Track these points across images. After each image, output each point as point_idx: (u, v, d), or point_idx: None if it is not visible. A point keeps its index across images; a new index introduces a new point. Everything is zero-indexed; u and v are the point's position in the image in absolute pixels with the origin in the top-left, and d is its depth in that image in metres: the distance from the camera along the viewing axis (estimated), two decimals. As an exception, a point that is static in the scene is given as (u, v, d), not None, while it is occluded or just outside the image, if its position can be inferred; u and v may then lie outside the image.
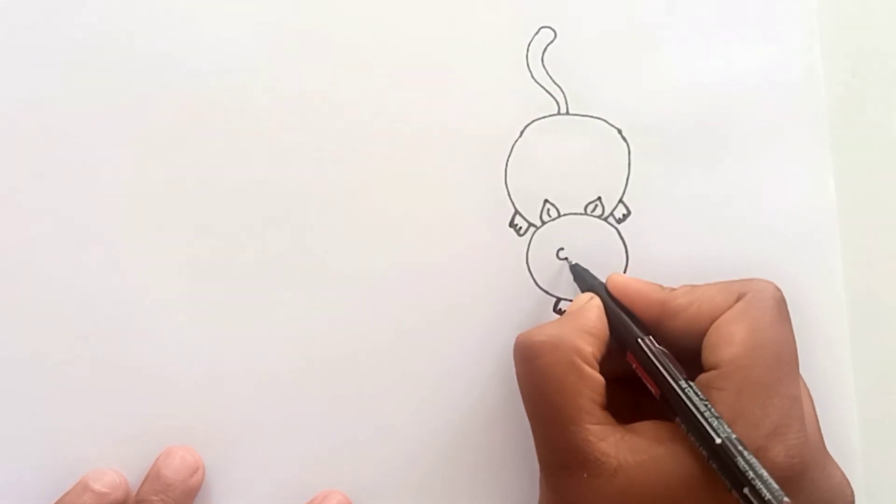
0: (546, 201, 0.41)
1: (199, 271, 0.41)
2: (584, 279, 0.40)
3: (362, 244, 0.41)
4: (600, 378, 0.36)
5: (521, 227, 0.41)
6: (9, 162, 0.41)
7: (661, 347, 0.36)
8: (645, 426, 0.36)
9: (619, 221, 0.42)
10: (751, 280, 0.38)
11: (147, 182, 0.41)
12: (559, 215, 0.41)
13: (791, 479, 0.34)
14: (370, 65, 0.41)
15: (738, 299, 0.37)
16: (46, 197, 0.41)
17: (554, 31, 0.42)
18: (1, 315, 0.40)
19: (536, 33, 0.42)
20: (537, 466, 0.39)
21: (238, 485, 0.41)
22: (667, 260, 0.41)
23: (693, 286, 0.38)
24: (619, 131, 0.42)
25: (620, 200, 0.42)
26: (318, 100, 0.41)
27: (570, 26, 0.42)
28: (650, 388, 0.36)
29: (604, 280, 0.39)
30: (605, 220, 0.41)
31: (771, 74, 0.42)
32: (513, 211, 0.41)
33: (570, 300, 0.41)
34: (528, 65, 0.41)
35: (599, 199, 0.41)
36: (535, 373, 0.36)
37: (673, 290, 0.38)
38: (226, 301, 0.41)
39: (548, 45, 0.42)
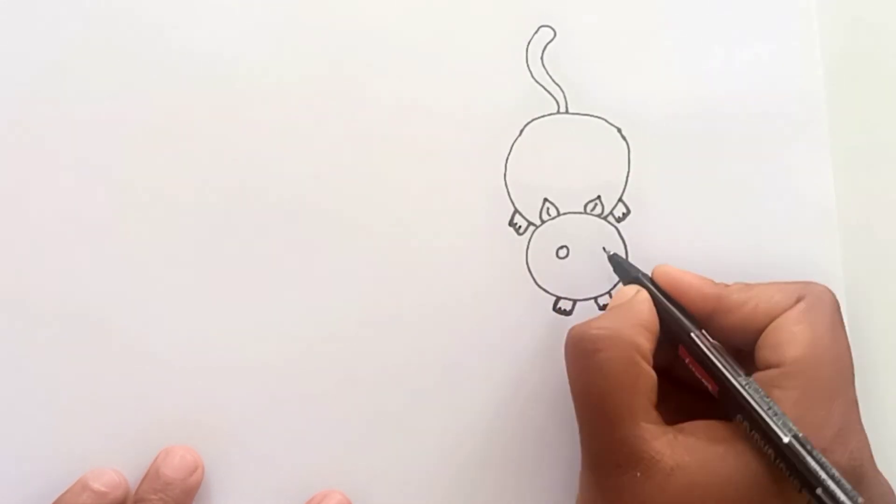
0: (546, 200, 0.41)
1: (200, 270, 0.41)
2: (625, 270, 0.40)
3: (362, 243, 0.41)
4: (654, 375, 0.36)
5: (520, 226, 0.41)
6: (11, 160, 0.41)
7: (716, 342, 0.36)
8: (695, 426, 0.35)
9: (619, 220, 0.41)
10: (809, 283, 0.38)
11: (143, 181, 0.41)
12: (559, 214, 0.41)
13: (852, 483, 0.33)
14: (370, 64, 0.41)
15: (797, 301, 0.37)
16: (45, 195, 0.41)
17: (553, 30, 0.42)
18: (1, 314, 0.40)
19: (536, 32, 0.42)
20: (538, 465, 0.39)
21: (237, 484, 0.41)
22: (666, 259, 0.41)
23: (747, 284, 0.38)
24: (619, 130, 0.42)
25: (620, 199, 0.42)
26: (317, 99, 0.41)
27: (570, 25, 0.42)
28: (707, 384, 0.36)
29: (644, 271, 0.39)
30: (605, 218, 0.41)
31: (771, 74, 0.42)
32: (512, 210, 0.41)
33: (570, 299, 0.41)
34: (527, 64, 0.41)
35: (599, 197, 0.41)
36: (593, 368, 0.35)
37: (727, 286, 0.38)
38: (226, 301, 0.41)
39: (547, 44, 0.42)
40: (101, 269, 0.41)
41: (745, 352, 0.37)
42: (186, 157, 0.41)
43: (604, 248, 0.41)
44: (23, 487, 0.40)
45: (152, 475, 0.40)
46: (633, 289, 0.38)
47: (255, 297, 0.41)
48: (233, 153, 0.41)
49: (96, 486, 0.39)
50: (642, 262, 0.41)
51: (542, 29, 0.42)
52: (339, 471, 0.41)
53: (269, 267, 0.41)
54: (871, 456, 0.36)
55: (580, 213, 0.41)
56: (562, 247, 0.41)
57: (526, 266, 0.41)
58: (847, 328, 0.40)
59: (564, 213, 0.41)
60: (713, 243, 0.42)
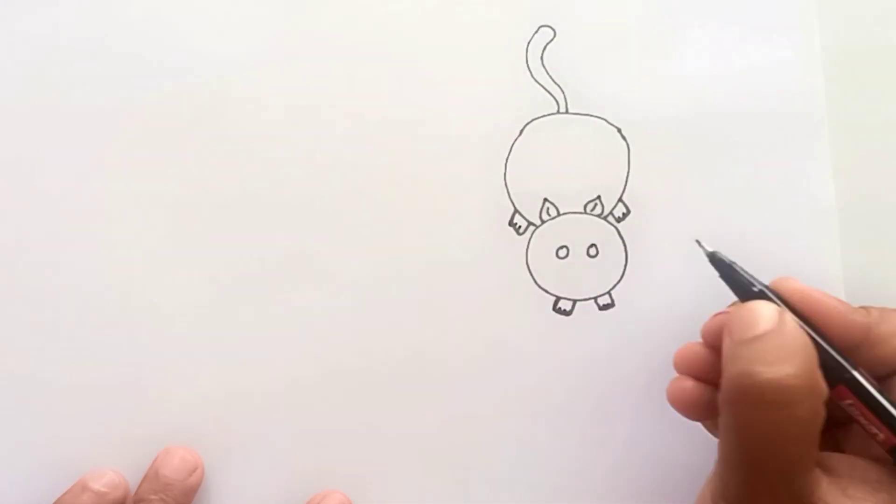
0: (545, 200, 0.41)
1: (201, 272, 0.41)
2: (742, 287, 0.34)
3: (361, 244, 0.41)
4: None
5: (520, 226, 0.41)
6: (15, 160, 0.41)
7: (873, 380, 0.32)
8: (851, 466, 0.33)
9: (619, 220, 0.41)
10: None
11: (148, 186, 0.41)
12: (559, 214, 0.41)
13: None
14: (369, 64, 0.41)
15: None
16: (50, 196, 0.41)
17: (553, 30, 0.42)
18: (2, 315, 0.40)
19: (536, 32, 0.42)
20: (537, 466, 0.39)
21: (237, 484, 0.41)
22: (666, 259, 0.41)
23: (883, 309, 0.35)
24: (619, 130, 0.42)
25: (620, 199, 0.41)
26: (318, 101, 0.41)
27: (570, 25, 0.42)
28: (877, 431, 0.33)
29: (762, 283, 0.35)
30: (605, 218, 0.41)
31: (771, 74, 0.42)
32: (512, 210, 0.41)
33: (569, 299, 0.41)
34: (527, 64, 0.41)
35: (599, 197, 0.41)
36: (783, 421, 0.31)
37: (868, 312, 0.34)
38: (226, 302, 0.41)
39: (547, 44, 0.42)
40: (101, 269, 0.41)
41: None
42: (187, 158, 0.41)
43: (698, 241, 0.36)
44: (23, 488, 0.40)
45: (152, 476, 0.40)
46: (771, 309, 0.32)
47: (255, 298, 0.41)
48: (233, 154, 0.41)
49: (96, 486, 0.39)
50: (642, 262, 0.41)
51: (542, 29, 0.42)
52: (339, 471, 0.41)
53: (267, 267, 0.41)
54: None
55: (580, 213, 0.41)
56: (562, 247, 0.41)
57: (526, 266, 0.41)
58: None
59: (564, 213, 0.41)
60: (713, 243, 0.41)
